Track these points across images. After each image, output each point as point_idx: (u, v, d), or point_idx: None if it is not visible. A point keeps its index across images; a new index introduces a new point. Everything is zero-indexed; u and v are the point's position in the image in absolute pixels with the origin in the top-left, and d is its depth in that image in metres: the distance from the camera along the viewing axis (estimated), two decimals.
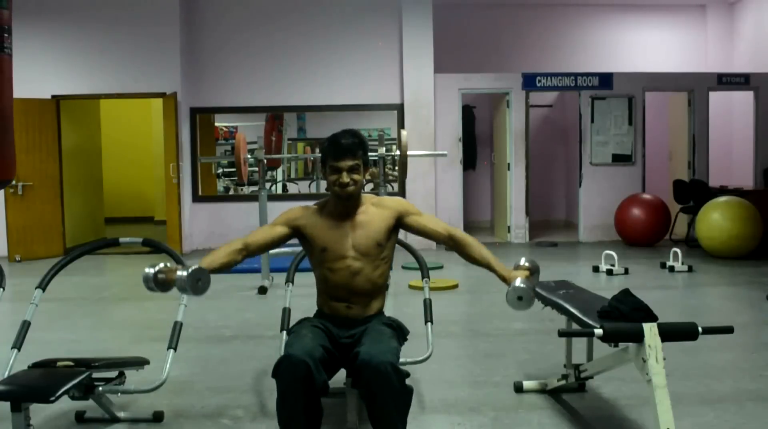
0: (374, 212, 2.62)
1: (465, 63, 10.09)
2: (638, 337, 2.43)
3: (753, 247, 7.50)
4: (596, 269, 6.91)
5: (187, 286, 2.24)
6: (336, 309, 2.62)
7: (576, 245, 9.12)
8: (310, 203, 2.73)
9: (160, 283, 2.30)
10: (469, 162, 10.58)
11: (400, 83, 9.23)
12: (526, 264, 2.52)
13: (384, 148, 6.05)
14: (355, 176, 2.54)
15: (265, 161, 6.50)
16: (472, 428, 2.99)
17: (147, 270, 2.29)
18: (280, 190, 10.66)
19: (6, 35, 2.49)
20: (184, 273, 2.25)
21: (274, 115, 10.01)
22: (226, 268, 2.44)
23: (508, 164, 9.37)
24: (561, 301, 3.08)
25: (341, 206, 2.59)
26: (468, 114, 10.54)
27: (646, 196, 8.80)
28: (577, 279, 5.11)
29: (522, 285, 2.37)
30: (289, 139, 10.33)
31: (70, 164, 8.96)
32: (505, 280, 2.47)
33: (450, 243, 2.64)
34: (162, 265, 2.32)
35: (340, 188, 2.53)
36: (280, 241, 2.60)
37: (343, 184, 2.52)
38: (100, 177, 10.11)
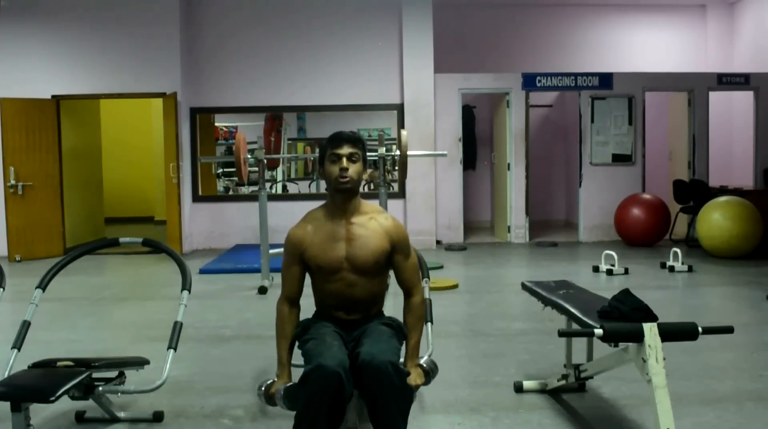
0: (375, 228, 2.56)
1: (465, 63, 10.09)
2: (638, 337, 2.43)
3: (753, 247, 7.50)
4: (596, 269, 6.91)
5: (282, 404, 2.38)
6: (336, 315, 2.61)
7: (576, 245, 9.12)
8: (310, 207, 2.71)
9: (267, 400, 2.45)
10: (469, 162, 10.58)
11: (400, 83, 9.23)
12: (424, 365, 2.57)
13: (384, 148, 6.05)
14: (354, 165, 2.52)
15: (265, 161, 6.50)
16: (472, 428, 2.99)
17: (260, 387, 2.48)
18: (280, 190, 10.65)
19: None
20: (280, 391, 2.38)
21: (273, 116, 10.01)
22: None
23: (508, 164, 9.37)
24: (561, 301, 3.08)
25: (339, 204, 2.56)
26: (468, 114, 10.54)
27: (646, 196, 8.80)
28: (577, 279, 5.12)
29: None
30: (289, 139, 10.33)
31: (70, 164, 8.96)
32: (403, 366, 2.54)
33: (404, 294, 2.68)
34: (269, 381, 2.46)
35: (339, 176, 2.50)
36: (305, 275, 2.63)
37: (342, 169, 2.50)
38: (100, 177, 10.11)
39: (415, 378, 2.48)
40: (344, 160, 2.51)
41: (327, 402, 2.24)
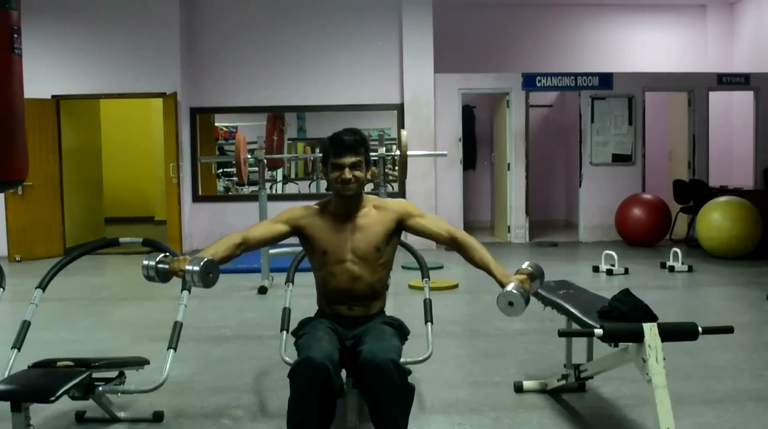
0: (375, 215, 2.60)
1: (465, 63, 10.09)
2: (638, 337, 2.43)
3: (753, 247, 7.49)
4: (596, 269, 6.91)
5: (199, 278, 2.19)
6: (337, 310, 2.62)
7: (576, 245, 9.12)
8: (312, 203, 2.73)
9: (161, 273, 2.25)
10: (469, 162, 10.58)
11: (400, 83, 9.23)
12: (528, 268, 2.44)
13: (384, 148, 6.05)
14: (357, 173, 2.52)
15: (266, 161, 6.50)
16: (472, 428, 2.99)
17: (146, 261, 2.25)
18: (280, 190, 10.66)
19: (16, 36, 2.50)
20: (195, 267, 2.19)
21: (275, 115, 10.01)
22: (225, 262, 2.41)
23: (508, 164, 9.37)
24: (561, 301, 3.08)
25: (342, 206, 2.58)
26: (468, 114, 10.54)
27: (647, 196, 8.80)
28: (577, 279, 5.10)
29: (514, 290, 2.27)
30: (289, 139, 10.33)
31: (70, 164, 8.95)
32: (502, 285, 2.39)
33: (452, 245, 2.59)
34: (162, 255, 2.29)
35: (341, 185, 2.52)
36: (279, 238, 2.57)
37: (345, 180, 2.51)
38: (100, 177, 10.11)
39: (516, 279, 2.36)
40: (347, 170, 2.51)
41: (316, 394, 2.25)
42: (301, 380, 2.26)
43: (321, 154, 2.64)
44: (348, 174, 2.50)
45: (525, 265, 2.48)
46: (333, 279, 2.57)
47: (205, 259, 2.22)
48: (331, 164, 2.54)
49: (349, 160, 2.51)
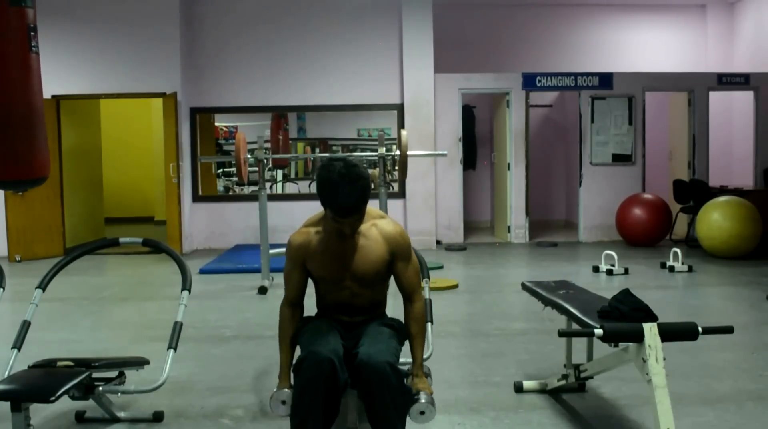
0: (375, 237, 2.52)
1: (465, 63, 10.09)
2: (638, 337, 2.43)
3: (753, 247, 7.50)
4: (596, 269, 6.91)
5: (275, 410, 2.43)
6: (339, 318, 2.62)
7: (576, 245, 9.12)
8: (310, 207, 2.71)
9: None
10: (469, 162, 10.57)
11: (400, 83, 9.23)
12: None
13: (384, 148, 6.05)
14: (357, 224, 2.46)
15: (267, 161, 6.49)
16: (472, 428, 2.99)
17: (273, 399, 2.43)
18: (280, 190, 10.65)
19: (33, 34, 2.51)
20: (273, 393, 2.42)
21: (279, 114, 9.99)
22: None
23: (508, 164, 9.37)
24: (561, 301, 3.08)
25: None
26: (468, 114, 10.54)
27: (647, 195, 8.80)
28: (577, 279, 5.11)
29: (424, 401, 2.38)
30: (289, 139, 10.32)
31: (70, 164, 8.96)
32: (412, 373, 2.48)
33: (405, 303, 2.62)
34: (286, 390, 2.43)
35: (343, 233, 2.47)
36: (306, 280, 2.60)
37: (344, 233, 2.47)
38: (100, 177, 10.11)
39: (420, 385, 2.44)
40: (348, 226, 2.43)
41: (321, 388, 2.25)
42: (306, 374, 2.27)
43: (317, 191, 2.45)
44: (348, 229, 2.44)
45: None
46: (331, 295, 2.58)
47: (276, 391, 2.43)
48: (331, 218, 2.42)
49: (349, 220, 2.42)
